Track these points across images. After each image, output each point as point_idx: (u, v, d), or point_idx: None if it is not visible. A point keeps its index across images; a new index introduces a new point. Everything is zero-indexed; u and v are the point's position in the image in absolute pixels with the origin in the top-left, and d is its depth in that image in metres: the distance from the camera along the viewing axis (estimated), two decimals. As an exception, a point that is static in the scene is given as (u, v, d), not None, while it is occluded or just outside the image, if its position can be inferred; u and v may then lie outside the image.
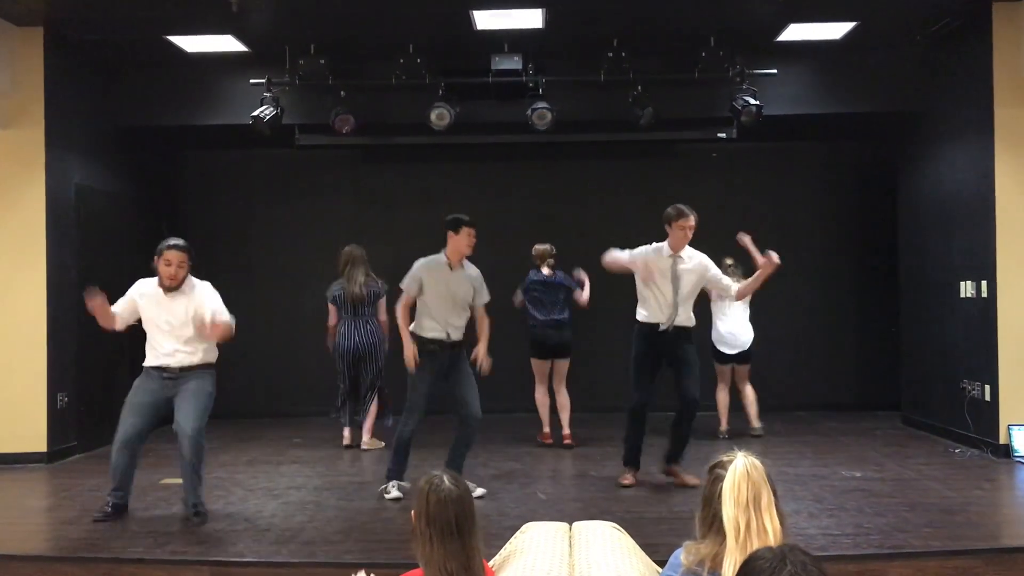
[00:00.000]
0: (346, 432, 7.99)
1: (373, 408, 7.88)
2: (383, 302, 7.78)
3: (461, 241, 6.08)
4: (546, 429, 8.04)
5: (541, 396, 8.02)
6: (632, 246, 6.31)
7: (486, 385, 9.81)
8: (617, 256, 6.25)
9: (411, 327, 6.03)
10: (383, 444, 7.88)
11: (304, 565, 4.64)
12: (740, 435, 8.03)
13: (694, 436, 8.07)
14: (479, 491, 5.91)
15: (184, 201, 10.11)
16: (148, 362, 5.56)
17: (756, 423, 8.18)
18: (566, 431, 7.90)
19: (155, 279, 5.55)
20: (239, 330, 10.38)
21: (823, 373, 9.83)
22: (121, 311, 5.54)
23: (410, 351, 5.93)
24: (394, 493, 5.96)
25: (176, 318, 5.51)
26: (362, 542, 5.01)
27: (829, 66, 8.44)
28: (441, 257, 6.09)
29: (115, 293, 5.44)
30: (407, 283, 6.05)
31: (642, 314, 6.24)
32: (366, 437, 7.95)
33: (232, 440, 8.37)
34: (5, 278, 7.42)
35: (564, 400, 7.96)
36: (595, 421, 8.54)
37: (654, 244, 6.25)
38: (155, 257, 5.52)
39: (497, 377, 9.69)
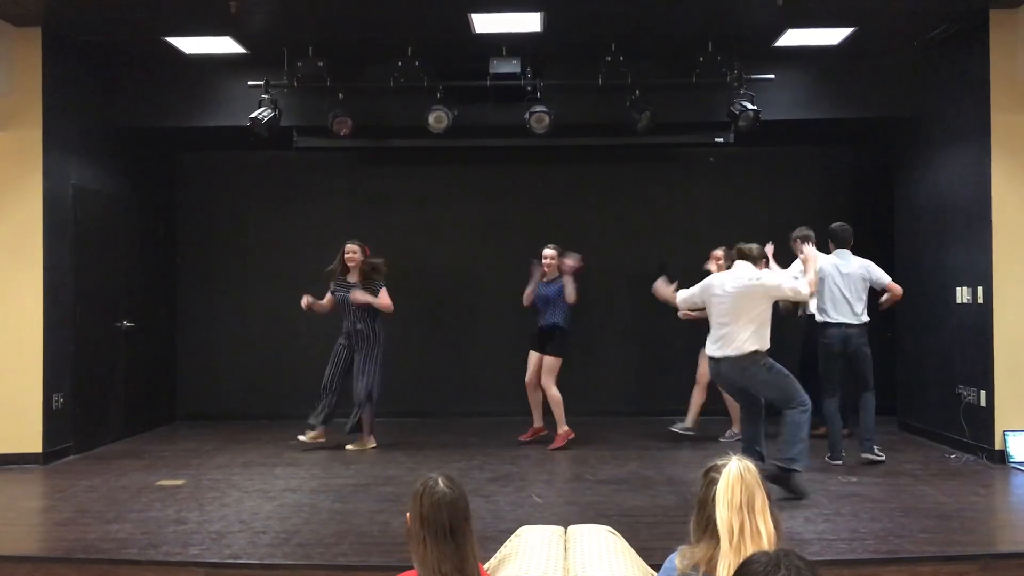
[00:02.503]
0: (310, 432, 7.91)
1: (369, 411, 7.91)
2: (384, 292, 7.83)
3: None
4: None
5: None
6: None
7: (486, 388, 9.91)
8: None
9: None
10: (376, 445, 7.96)
11: (299, 567, 4.63)
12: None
13: (695, 439, 8.11)
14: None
15: (181, 203, 10.10)
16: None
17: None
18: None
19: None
20: (235, 332, 10.30)
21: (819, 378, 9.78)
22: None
23: None
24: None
25: None
26: (357, 544, 5.01)
27: (827, 71, 8.46)
28: None
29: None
30: None
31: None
32: (369, 437, 7.98)
33: (228, 442, 8.38)
34: (1, 279, 7.40)
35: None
36: (592, 423, 8.57)
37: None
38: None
39: (494, 380, 9.81)
